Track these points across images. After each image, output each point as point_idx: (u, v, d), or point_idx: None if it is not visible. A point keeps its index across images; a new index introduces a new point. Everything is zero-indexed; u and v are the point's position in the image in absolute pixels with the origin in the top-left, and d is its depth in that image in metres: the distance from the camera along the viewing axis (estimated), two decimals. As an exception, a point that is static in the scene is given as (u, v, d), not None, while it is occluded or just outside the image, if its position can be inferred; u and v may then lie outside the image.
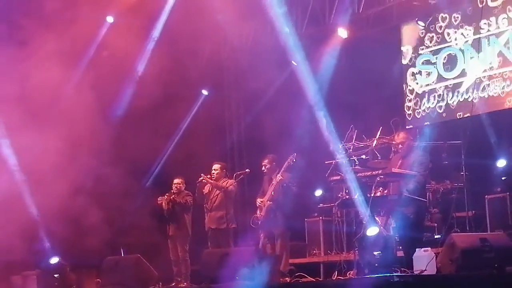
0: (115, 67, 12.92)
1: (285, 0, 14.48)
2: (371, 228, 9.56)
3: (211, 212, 12.11)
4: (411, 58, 14.65)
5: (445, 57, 14.08)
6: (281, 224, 11.60)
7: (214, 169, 12.27)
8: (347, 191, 11.83)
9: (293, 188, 11.64)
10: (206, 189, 12.24)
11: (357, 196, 10.25)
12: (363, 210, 9.99)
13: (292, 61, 15.35)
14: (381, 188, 10.06)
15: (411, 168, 9.86)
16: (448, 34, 14.06)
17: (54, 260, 12.80)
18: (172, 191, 12.60)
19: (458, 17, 13.91)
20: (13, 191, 12.25)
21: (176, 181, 12.71)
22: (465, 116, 13.28)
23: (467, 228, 11.84)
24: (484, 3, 13.14)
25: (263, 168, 11.94)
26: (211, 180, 12.12)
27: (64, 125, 12.08)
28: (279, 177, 11.57)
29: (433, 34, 14.29)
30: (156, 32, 14.31)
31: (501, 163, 12.31)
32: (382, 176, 9.87)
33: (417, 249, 9.41)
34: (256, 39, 15.79)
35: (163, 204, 12.62)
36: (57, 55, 12.18)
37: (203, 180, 12.13)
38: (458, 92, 13.82)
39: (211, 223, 12.09)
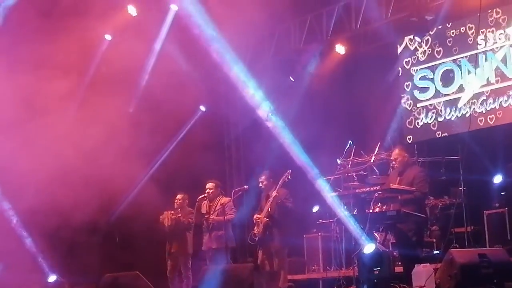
0: (113, 84, 12.95)
1: (283, 16, 14.61)
2: (368, 245, 9.55)
3: (210, 232, 12.05)
4: (408, 74, 14.68)
5: (443, 72, 14.12)
6: (277, 241, 11.57)
7: (209, 188, 12.19)
8: (345, 207, 11.85)
9: (288, 205, 11.62)
10: (204, 209, 12.19)
11: (344, 213, 10.33)
12: (354, 228, 10.02)
13: (290, 77, 15.47)
14: (379, 204, 10.04)
15: (410, 184, 9.87)
16: (445, 49, 14.10)
17: (52, 278, 12.79)
18: (175, 207, 12.60)
19: (455, 33, 13.97)
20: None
21: (178, 196, 12.69)
22: (463, 131, 13.29)
23: (466, 244, 11.82)
24: (481, 19, 13.18)
25: (260, 185, 11.93)
26: (214, 216, 12.01)
27: (57, 140, 12.09)
28: (274, 193, 11.56)
29: (430, 49, 14.34)
30: (155, 49, 14.34)
31: (498, 179, 12.33)
32: (380, 192, 9.87)
33: (416, 265, 9.39)
34: (254, 54, 15.84)
35: (165, 220, 12.59)
36: (56, 70, 12.21)
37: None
38: (456, 107, 13.84)
39: (210, 243, 12.02)
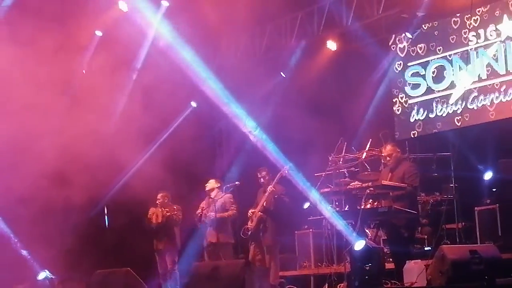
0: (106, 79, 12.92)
1: (275, 13, 14.61)
2: (358, 241, 9.55)
3: (210, 227, 12.02)
4: (400, 70, 14.69)
5: (434, 69, 14.13)
6: (270, 236, 11.57)
7: (209, 183, 12.30)
8: (337, 203, 11.86)
9: (285, 200, 11.61)
10: (204, 205, 12.18)
11: (328, 210, 10.37)
12: (339, 224, 10.05)
13: (281, 73, 15.45)
14: (371, 200, 10.05)
15: (401, 180, 9.87)
16: (437, 46, 14.11)
17: (43, 274, 12.75)
18: (157, 204, 12.59)
19: (446, 29, 13.98)
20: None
21: (158, 196, 12.68)
22: (454, 128, 13.32)
23: (457, 240, 11.87)
24: (472, 16, 13.21)
25: (261, 180, 11.85)
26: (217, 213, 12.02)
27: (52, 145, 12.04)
28: (271, 188, 11.53)
29: (422, 46, 14.34)
30: (145, 46, 14.29)
31: (488, 175, 12.36)
32: (372, 189, 9.86)
33: (407, 261, 9.39)
34: (245, 51, 15.85)
35: (154, 217, 12.58)
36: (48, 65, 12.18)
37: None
38: (447, 104, 13.86)
39: (211, 237, 11.99)
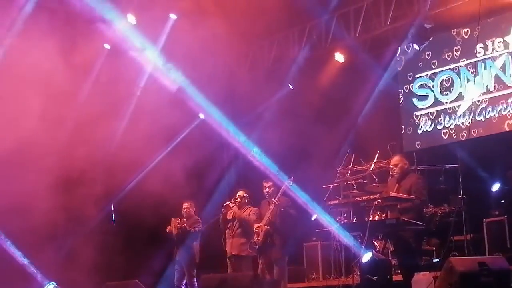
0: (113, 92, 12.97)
1: (283, 25, 14.66)
2: (365, 253, 9.55)
3: (233, 238, 11.85)
4: (407, 82, 14.69)
5: (442, 80, 14.14)
6: (278, 249, 11.51)
7: (239, 197, 11.98)
8: (345, 215, 11.84)
9: (291, 212, 11.54)
10: (230, 216, 11.97)
11: (334, 226, 10.36)
12: (345, 238, 10.04)
13: (289, 84, 15.48)
14: (379, 212, 10.03)
15: (408, 192, 9.85)
16: (444, 57, 14.12)
17: (50, 286, 12.75)
18: (183, 216, 12.60)
19: (453, 41, 13.99)
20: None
21: (185, 205, 12.68)
22: (462, 139, 13.31)
23: (466, 252, 11.83)
24: (479, 27, 13.21)
25: (268, 191, 11.71)
26: (237, 210, 11.88)
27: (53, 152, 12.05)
28: (276, 201, 11.46)
29: (429, 57, 14.36)
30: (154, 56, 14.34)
31: (496, 187, 12.34)
32: (379, 200, 9.85)
33: (415, 273, 9.38)
34: (253, 63, 15.90)
35: (173, 228, 12.59)
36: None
37: (230, 205, 11.95)
38: (455, 115, 13.86)
39: (232, 249, 11.83)
